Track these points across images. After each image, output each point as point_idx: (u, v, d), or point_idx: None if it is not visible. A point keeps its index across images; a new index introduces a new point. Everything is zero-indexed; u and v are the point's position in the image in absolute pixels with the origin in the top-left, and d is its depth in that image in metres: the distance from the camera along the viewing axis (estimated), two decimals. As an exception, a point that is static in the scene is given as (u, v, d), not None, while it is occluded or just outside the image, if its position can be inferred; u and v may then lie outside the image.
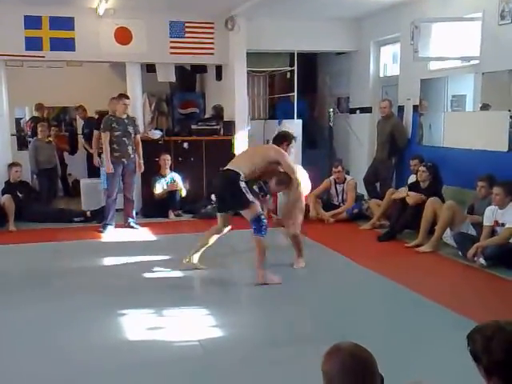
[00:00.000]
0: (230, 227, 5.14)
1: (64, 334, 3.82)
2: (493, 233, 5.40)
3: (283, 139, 5.28)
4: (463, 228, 5.84)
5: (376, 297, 4.64)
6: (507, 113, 6.03)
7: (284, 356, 3.46)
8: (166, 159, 7.97)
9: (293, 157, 5.54)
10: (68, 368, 3.34)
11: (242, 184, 4.79)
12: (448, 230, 5.95)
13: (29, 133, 9.57)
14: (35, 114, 10.01)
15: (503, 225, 5.29)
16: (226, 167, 4.97)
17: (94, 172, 8.83)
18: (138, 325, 3.98)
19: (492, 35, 6.25)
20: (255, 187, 5.24)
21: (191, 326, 3.95)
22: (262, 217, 4.78)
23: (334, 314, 4.18)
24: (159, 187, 7.89)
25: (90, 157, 9.10)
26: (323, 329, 3.87)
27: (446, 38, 7.02)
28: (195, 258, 5.20)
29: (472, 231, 5.79)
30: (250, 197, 4.80)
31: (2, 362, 3.41)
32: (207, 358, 3.47)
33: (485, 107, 6.45)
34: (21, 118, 10.72)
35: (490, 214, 5.40)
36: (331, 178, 7.80)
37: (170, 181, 7.96)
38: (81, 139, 10.20)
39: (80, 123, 10.31)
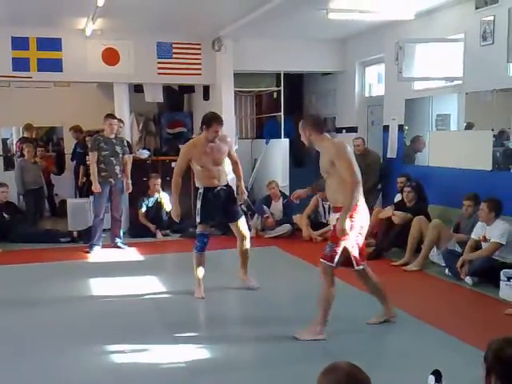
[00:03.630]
0: (247, 237, 5.15)
1: (48, 357, 3.78)
2: (477, 247, 5.48)
3: (201, 125, 4.99)
4: (449, 247, 5.89)
5: (362, 315, 4.63)
6: (490, 132, 6.12)
7: (273, 377, 3.45)
8: (156, 184, 7.95)
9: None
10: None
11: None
12: (434, 248, 6.00)
13: (18, 153, 9.54)
14: (24, 134, 9.99)
15: (489, 241, 5.36)
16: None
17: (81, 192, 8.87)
18: (123, 347, 3.95)
19: (474, 56, 6.36)
20: (243, 206, 5.24)
21: (177, 347, 3.92)
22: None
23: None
24: (144, 209, 7.91)
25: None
26: (310, 348, 3.86)
27: (430, 58, 7.14)
28: (245, 276, 5.23)
29: (458, 250, 5.83)
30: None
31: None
32: (194, 381, 3.44)
33: (469, 127, 6.54)
34: (7, 139, 10.68)
35: (480, 229, 5.49)
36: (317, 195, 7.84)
37: (157, 200, 7.95)
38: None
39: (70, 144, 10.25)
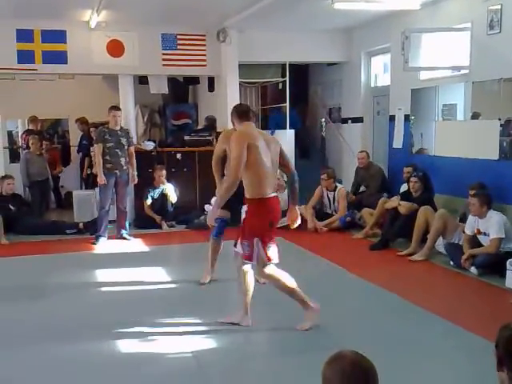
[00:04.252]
0: None
1: (56, 346, 3.80)
2: (476, 239, 5.49)
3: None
4: (455, 236, 5.88)
5: (368, 305, 4.64)
6: (497, 121, 6.08)
7: (280, 366, 3.46)
8: (162, 175, 7.93)
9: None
10: (59, 380, 3.33)
11: None
12: (440, 238, 5.98)
13: (24, 145, 9.57)
14: (29, 126, 10.02)
15: (485, 234, 5.36)
16: None
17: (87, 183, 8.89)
18: (129, 337, 3.97)
19: (481, 45, 6.31)
20: None
21: (184, 337, 3.93)
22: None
23: (328, 322, 4.16)
24: (150, 201, 7.89)
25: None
26: (316, 337, 3.87)
27: (436, 47, 7.08)
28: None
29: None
30: None
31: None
32: (201, 370, 3.45)
33: (475, 116, 6.50)
34: (12, 131, 10.71)
35: (472, 223, 5.49)
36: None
37: (162, 191, 7.95)
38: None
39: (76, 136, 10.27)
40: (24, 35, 7.74)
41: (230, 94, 8.54)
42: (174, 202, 7.99)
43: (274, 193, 3.95)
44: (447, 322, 4.09)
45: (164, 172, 7.97)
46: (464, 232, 5.80)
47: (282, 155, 4.07)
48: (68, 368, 3.48)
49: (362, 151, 8.28)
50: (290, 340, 3.87)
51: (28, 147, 8.82)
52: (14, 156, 10.01)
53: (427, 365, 3.40)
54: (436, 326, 4.08)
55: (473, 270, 5.31)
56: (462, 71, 6.74)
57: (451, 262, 5.66)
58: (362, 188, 8.27)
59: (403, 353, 3.62)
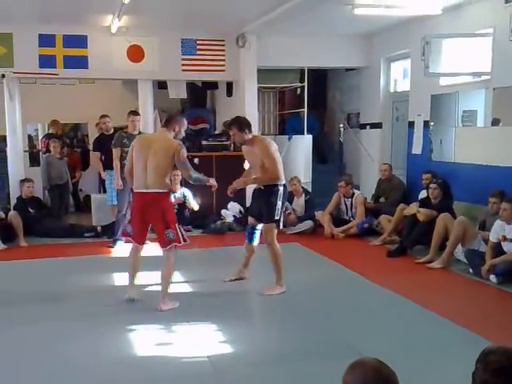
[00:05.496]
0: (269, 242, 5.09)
1: (73, 348, 3.81)
2: (499, 247, 5.37)
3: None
4: (475, 244, 5.79)
5: (386, 313, 4.59)
6: (518, 128, 6.01)
7: (296, 372, 3.42)
8: (177, 175, 7.95)
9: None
10: (71, 380, 3.34)
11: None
12: (459, 245, 5.91)
13: (44, 149, 9.66)
14: (49, 130, 10.12)
15: (511, 241, 5.25)
16: None
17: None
18: (146, 340, 3.98)
19: (503, 51, 6.25)
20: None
21: (200, 341, 3.92)
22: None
23: (345, 329, 4.14)
24: None
25: None
26: (334, 345, 3.84)
27: (457, 53, 7.03)
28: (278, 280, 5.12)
29: (484, 247, 5.73)
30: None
31: (9, 377, 3.40)
32: (217, 374, 3.44)
33: (495, 122, 6.43)
34: (32, 135, 10.83)
35: (498, 229, 5.38)
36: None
37: (181, 195, 7.95)
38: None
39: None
40: (46, 40, 7.86)
41: (248, 99, 8.56)
42: (196, 209, 7.97)
43: (157, 189, 4.64)
44: (466, 331, 4.03)
45: (178, 171, 7.96)
46: (483, 240, 5.73)
47: (177, 162, 4.78)
48: (81, 368, 3.49)
49: (385, 163, 8.23)
50: (309, 346, 3.84)
51: (48, 151, 8.91)
52: (33, 159, 10.11)
53: (446, 373, 3.35)
54: (455, 334, 4.02)
55: (492, 278, 5.23)
56: (483, 77, 6.68)
57: (470, 270, 5.58)
58: (382, 200, 8.21)
59: (422, 360, 3.57)
